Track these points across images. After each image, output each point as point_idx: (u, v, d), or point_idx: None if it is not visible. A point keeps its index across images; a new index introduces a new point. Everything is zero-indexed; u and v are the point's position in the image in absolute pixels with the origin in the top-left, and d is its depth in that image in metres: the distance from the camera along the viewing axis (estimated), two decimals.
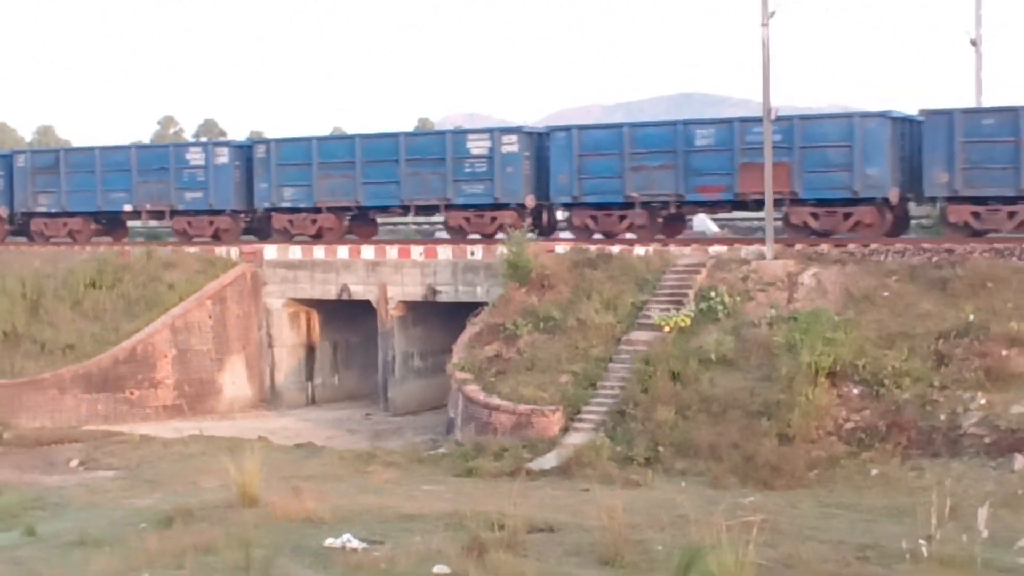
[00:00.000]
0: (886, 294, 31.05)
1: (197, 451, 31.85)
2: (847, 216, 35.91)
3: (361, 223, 45.89)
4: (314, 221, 43.76)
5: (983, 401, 26.81)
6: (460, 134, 44.32)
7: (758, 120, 35.73)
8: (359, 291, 40.79)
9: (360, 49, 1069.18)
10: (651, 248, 36.55)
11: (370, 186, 42.69)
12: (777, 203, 35.36)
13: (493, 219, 40.61)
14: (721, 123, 39.07)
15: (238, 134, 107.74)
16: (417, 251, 40.14)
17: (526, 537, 17.25)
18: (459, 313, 37.21)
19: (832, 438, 27.12)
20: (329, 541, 16.97)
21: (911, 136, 36.18)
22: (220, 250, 43.72)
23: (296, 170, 43.79)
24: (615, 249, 36.62)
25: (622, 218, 39.43)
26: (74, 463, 31.88)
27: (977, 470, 24.87)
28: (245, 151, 45.68)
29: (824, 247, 34.64)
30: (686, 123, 39.23)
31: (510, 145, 40.29)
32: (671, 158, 37.88)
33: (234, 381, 41.22)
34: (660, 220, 39.83)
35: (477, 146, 40.97)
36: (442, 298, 39.24)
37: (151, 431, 35.83)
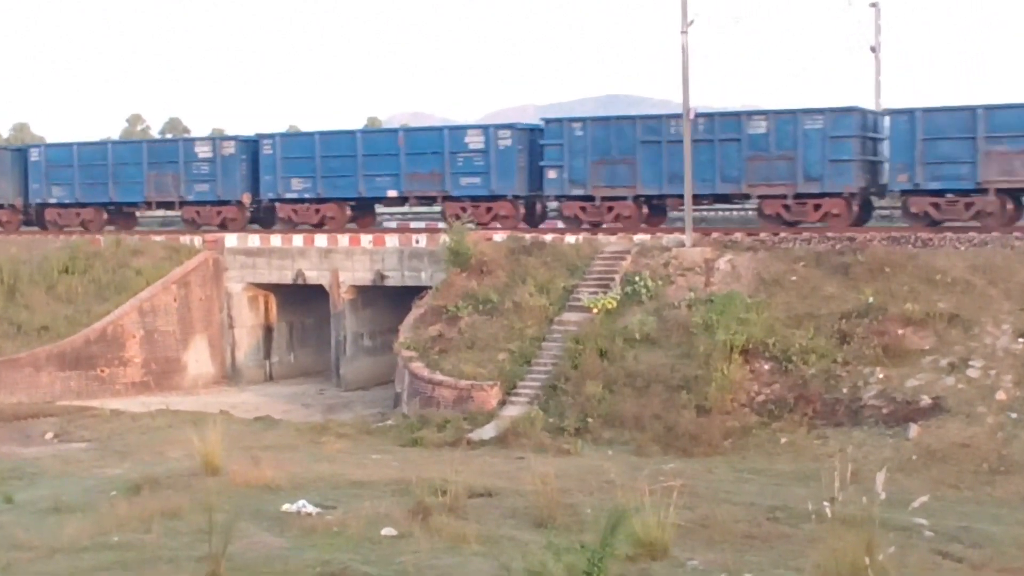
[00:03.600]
0: (794, 278, 31.24)
1: (163, 424, 31.59)
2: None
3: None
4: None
5: (881, 375, 27.08)
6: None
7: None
8: (313, 276, 40.48)
9: (313, 49, 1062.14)
10: (580, 236, 36.52)
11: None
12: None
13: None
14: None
15: (201, 131, 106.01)
16: (367, 239, 39.84)
17: (467, 501, 17.23)
18: (405, 296, 37.06)
19: (745, 409, 27.28)
20: (286, 506, 16.87)
21: None
22: (184, 238, 43.23)
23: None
24: (548, 237, 36.57)
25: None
26: (49, 436, 31.51)
27: (876, 438, 25.11)
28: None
29: (738, 235, 34.81)
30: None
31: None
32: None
33: (197, 359, 40.88)
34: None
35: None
36: (390, 282, 39.01)
37: (120, 406, 35.45)
